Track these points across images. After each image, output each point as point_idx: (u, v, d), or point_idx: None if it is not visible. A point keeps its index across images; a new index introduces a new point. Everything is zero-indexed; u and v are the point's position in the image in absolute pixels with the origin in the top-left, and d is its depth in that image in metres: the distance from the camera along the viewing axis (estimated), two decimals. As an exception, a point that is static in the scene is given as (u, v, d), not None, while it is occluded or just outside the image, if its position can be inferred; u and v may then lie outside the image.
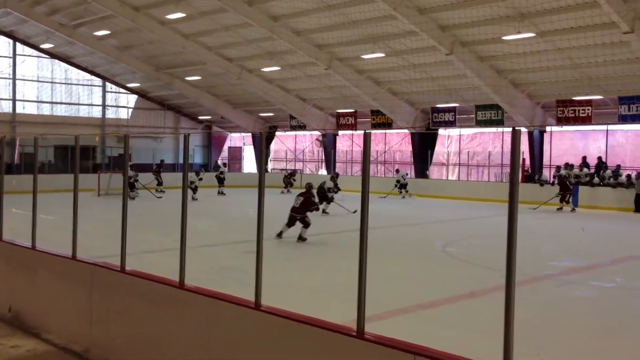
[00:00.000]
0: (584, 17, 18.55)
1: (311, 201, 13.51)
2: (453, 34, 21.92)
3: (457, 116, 27.91)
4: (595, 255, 12.81)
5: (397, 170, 28.95)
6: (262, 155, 4.93)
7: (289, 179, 30.33)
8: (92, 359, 5.95)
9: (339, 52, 26.02)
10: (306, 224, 13.08)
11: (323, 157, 36.04)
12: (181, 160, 31.15)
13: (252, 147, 40.21)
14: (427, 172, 30.29)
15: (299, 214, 13.13)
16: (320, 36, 25.05)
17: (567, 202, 22.10)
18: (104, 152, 36.97)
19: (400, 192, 27.10)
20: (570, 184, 22.51)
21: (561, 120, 24.51)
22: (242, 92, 33.85)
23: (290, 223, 13.26)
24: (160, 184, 28.08)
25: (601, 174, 23.98)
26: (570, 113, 24.12)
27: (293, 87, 31.79)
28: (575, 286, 9.74)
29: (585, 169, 24.64)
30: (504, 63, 23.34)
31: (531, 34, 20.01)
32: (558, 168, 25.20)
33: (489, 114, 26.51)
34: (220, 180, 28.22)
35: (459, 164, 31.79)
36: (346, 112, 32.29)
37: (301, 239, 13.01)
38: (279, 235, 13.13)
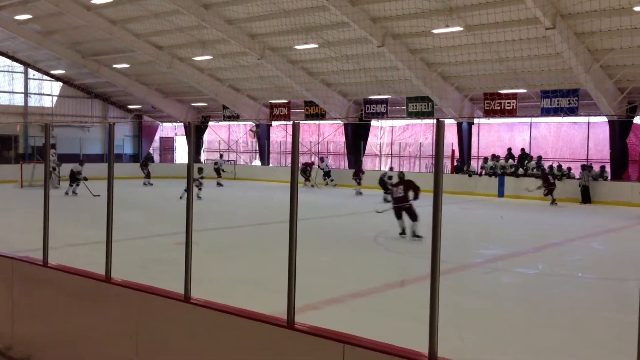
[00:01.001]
0: (510, 12, 19.16)
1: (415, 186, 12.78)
2: (384, 26, 22.21)
3: (389, 108, 28.35)
4: (519, 243, 13.34)
5: (322, 159, 29.70)
6: (190, 146, 4.84)
7: (304, 172, 28.04)
8: (14, 357, 5.71)
9: (271, 42, 25.89)
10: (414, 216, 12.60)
11: (257, 148, 35.87)
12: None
13: (184, 137, 39.51)
14: (360, 163, 30.66)
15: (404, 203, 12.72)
16: (252, 25, 24.84)
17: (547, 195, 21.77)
18: (26, 141, 35.39)
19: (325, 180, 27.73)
20: (553, 178, 22.28)
21: (488, 113, 25.33)
22: (173, 81, 33.14)
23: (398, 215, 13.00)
24: (148, 176, 27.84)
25: (525, 164, 24.96)
26: (497, 106, 24.95)
27: (226, 76, 31.41)
28: (502, 273, 10.11)
29: (510, 160, 25.60)
30: (433, 56, 23.87)
31: (459, 28, 20.54)
32: (485, 159, 26.08)
33: (420, 106, 27.06)
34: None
35: (392, 155, 32.35)
36: (279, 103, 32.21)
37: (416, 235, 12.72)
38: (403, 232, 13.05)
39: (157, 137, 41.62)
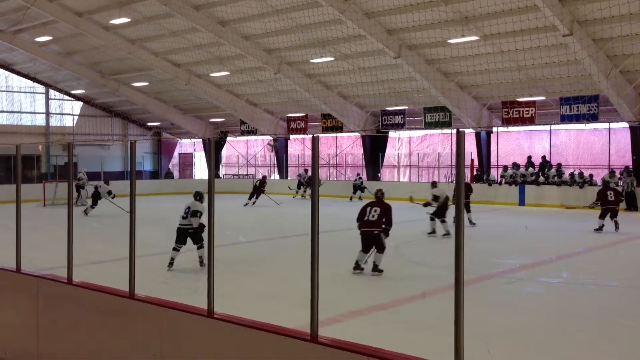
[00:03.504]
0: (526, 20, 19.10)
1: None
2: (400, 37, 22.25)
3: (406, 118, 28.31)
4: (542, 252, 13.17)
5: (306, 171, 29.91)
6: (210, 162, 4.87)
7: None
8: (39, 375, 5.76)
9: (287, 56, 26.05)
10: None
11: (275, 162, 35.99)
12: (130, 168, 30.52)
13: (203, 152, 39.80)
14: (379, 174, 30.60)
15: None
16: (268, 41, 25.03)
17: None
18: (49, 161, 35.91)
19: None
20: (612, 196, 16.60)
21: (506, 121, 25.17)
22: (191, 97, 33.49)
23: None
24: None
25: (545, 172, 24.72)
26: (515, 114, 24.78)
27: (243, 92, 31.64)
28: (524, 283, 9.99)
29: (530, 169, 25.37)
30: (450, 66, 23.83)
31: (475, 37, 20.50)
32: (505, 168, 25.89)
33: (438, 116, 26.99)
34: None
35: (410, 166, 32.25)
36: (297, 117, 32.33)
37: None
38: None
39: (176, 154, 42.00)
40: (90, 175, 27.25)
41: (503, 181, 25.50)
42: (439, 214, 14.72)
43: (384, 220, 10.23)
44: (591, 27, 19.02)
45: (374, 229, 10.19)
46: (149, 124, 39.94)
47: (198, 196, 10.68)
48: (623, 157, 24.76)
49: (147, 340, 4.85)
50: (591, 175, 23.63)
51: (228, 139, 37.77)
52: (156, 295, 5.17)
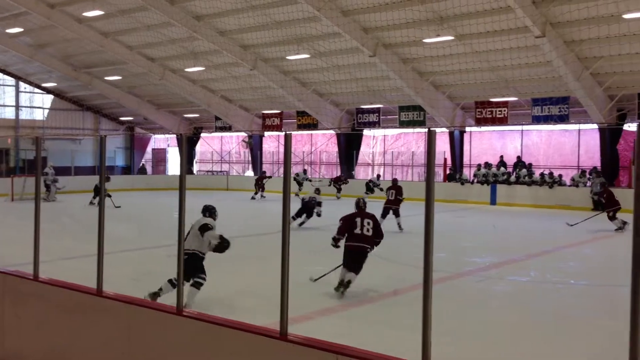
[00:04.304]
0: (499, 21, 19.31)
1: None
2: (376, 36, 22.32)
3: (381, 117, 28.43)
4: (512, 250, 13.35)
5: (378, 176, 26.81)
6: (182, 158, 4.82)
7: (337, 184, 27.18)
8: (4, 373, 5.66)
9: (263, 53, 25.96)
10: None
11: (250, 159, 35.87)
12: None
13: (176, 148, 39.47)
14: (353, 172, 30.69)
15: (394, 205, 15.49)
16: (244, 37, 24.91)
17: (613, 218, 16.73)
18: (18, 155, 35.25)
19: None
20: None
21: (480, 121, 25.44)
22: (165, 92, 33.16)
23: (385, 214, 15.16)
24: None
25: (517, 172, 25.07)
26: (488, 114, 25.06)
27: (218, 87, 31.45)
28: (494, 281, 10.10)
29: (502, 168, 25.69)
30: (425, 65, 23.99)
31: (450, 37, 20.66)
32: (479, 167, 26.17)
33: (412, 115, 27.16)
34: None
35: (384, 164, 32.41)
36: (272, 113, 32.25)
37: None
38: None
39: (149, 149, 41.57)
40: (59, 170, 26.82)
41: (475, 180, 25.79)
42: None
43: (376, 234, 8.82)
44: (562, 29, 19.31)
45: (367, 246, 8.70)
46: (121, 118, 39.45)
47: (207, 212, 8.16)
48: (592, 157, 25.22)
49: (115, 338, 4.80)
50: (560, 176, 24.03)
51: (202, 135, 37.51)
52: (127, 293, 5.11)
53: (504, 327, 7.40)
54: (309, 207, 16.15)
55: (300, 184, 27.20)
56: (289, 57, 24.89)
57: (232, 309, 7.67)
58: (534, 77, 22.70)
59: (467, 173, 27.24)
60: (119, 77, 32.26)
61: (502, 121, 24.90)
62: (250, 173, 35.99)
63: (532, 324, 7.52)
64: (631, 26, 18.22)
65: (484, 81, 23.92)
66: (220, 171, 37.34)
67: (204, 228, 7.70)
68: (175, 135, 37.71)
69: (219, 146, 39.06)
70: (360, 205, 9.18)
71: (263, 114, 32.72)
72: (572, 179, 24.08)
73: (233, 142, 38.47)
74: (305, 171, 29.18)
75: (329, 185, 26.76)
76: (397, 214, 15.76)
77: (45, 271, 5.71)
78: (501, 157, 26.50)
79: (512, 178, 24.81)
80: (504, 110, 24.65)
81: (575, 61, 20.51)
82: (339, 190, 26.71)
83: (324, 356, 3.56)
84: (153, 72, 29.74)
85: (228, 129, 34.35)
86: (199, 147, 39.18)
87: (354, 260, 8.66)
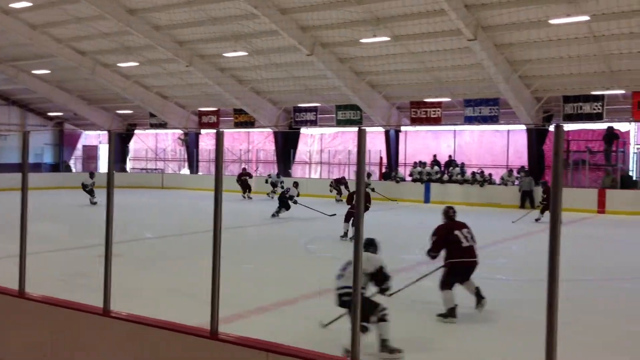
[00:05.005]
0: (434, 23, 19.75)
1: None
2: (313, 35, 22.39)
3: (318, 116, 28.56)
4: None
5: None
6: (110, 155, 4.69)
7: (338, 186, 25.68)
8: None
9: (200, 49, 25.59)
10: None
11: (186, 156, 35.30)
12: (30, 160, 28.90)
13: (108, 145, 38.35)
14: (290, 170, 30.70)
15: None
16: (180, 32, 24.48)
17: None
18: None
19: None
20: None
21: (414, 121, 25.95)
22: (97, 87, 32.14)
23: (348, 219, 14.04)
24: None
25: (449, 171, 25.73)
26: (423, 114, 25.60)
27: (152, 84, 30.77)
28: (425, 278, 10.30)
29: (436, 167, 26.31)
30: (362, 65, 24.26)
31: (386, 38, 20.95)
32: (415, 165, 26.70)
33: (349, 114, 27.42)
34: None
35: (321, 163, 32.57)
36: (208, 111, 31.85)
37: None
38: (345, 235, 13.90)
39: (79, 146, 40.22)
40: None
41: (411, 179, 26.30)
42: None
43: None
44: (493, 32, 19.93)
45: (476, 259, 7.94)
46: (50, 113, 37.96)
47: (371, 247, 6.87)
48: (520, 157, 26.16)
49: (38, 341, 4.62)
50: (490, 175, 24.84)
51: (136, 131, 36.62)
52: (53, 294, 4.93)
53: (433, 321, 7.57)
54: (284, 200, 18.46)
55: (274, 185, 25.83)
56: (225, 54, 24.62)
57: (162, 309, 7.52)
58: (467, 79, 23.34)
59: (403, 171, 27.73)
60: (48, 71, 31.03)
61: (436, 121, 25.48)
62: (186, 171, 35.41)
63: (460, 317, 7.72)
64: (557, 31, 19.00)
65: (418, 82, 24.41)
66: (155, 169, 36.57)
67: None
68: (107, 132, 36.63)
69: (154, 143, 38.24)
70: (451, 215, 8.41)
71: (199, 111, 32.27)
72: (502, 178, 24.92)
73: (169, 139, 37.75)
74: (278, 174, 27.39)
75: (330, 186, 25.70)
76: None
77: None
78: (434, 156, 27.12)
79: (445, 177, 25.44)
80: (438, 111, 25.24)
81: (505, 64, 21.23)
82: (339, 192, 25.10)
83: (255, 354, 3.54)
84: (84, 66, 28.78)
85: (163, 126, 33.68)
86: (132, 144, 38.22)
87: (466, 274, 7.93)
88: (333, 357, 3.46)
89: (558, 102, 22.74)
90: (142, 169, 37.30)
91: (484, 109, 23.91)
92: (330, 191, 25.62)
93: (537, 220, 18.24)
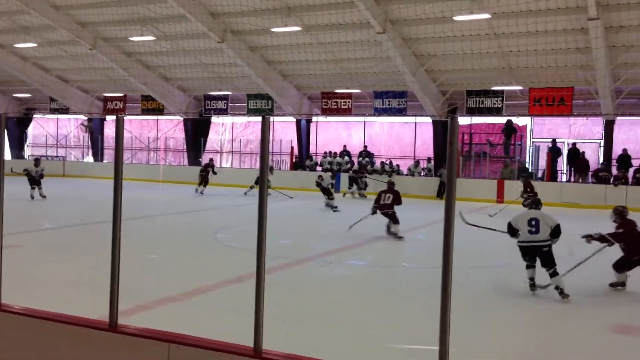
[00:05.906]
0: (344, 14, 20.00)
1: (399, 197, 13.40)
2: (224, 22, 22.09)
3: (229, 104, 28.25)
4: (351, 237, 13.94)
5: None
6: (1, 142, 4.43)
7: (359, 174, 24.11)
8: None
9: (104, 32, 24.60)
10: (396, 220, 13.14)
11: (90, 144, 33.88)
12: None
13: (6, 131, 36.15)
14: (201, 159, 30.19)
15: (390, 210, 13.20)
16: (82, 13, 23.44)
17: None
18: None
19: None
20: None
21: (325, 111, 26.23)
22: (-9, 69, 30.19)
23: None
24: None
25: (360, 161, 26.22)
26: (333, 104, 25.93)
27: (53, 66, 29.27)
28: (335, 266, 10.52)
29: (346, 157, 26.73)
30: (273, 54, 24.19)
31: (297, 28, 21.02)
32: (325, 154, 26.97)
33: (260, 103, 27.30)
34: None
35: (232, 152, 32.26)
36: (114, 97, 30.72)
37: (396, 236, 13.05)
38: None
39: (-29, 131, 37.65)
40: None
41: (322, 169, 26.58)
42: None
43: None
44: (401, 27, 20.46)
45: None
46: (-62, 96, 35.28)
47: (540, 204, 8.96)
48: (427, 149, 27.09)
49: None
50: (398, 166, 25.55)
51: (35, 116, 34.72)
52: None
53: (343, 307, 7.74)
54: (326, 189, 19.25)
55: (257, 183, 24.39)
56: (132, 38, 23.82)
57: (61, 302, 7.23)
58: (376, 71, 23.83)
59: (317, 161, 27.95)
60: None
61: (347, 112, 25.88)
62: (90, 159, 34.01)
63: (362, 302, 7.94)
64: (461, 27, 19.77)
65: (329, 72, 24.66)
66: (56, 156, 34.88)
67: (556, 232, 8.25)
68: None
69: (55, 129, 36.43)
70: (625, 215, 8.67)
71: (105, 96, 31.06)
72: (409, 169, 25.69)
73: (71, 125, 36.09)
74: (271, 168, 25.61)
75: (349, 174, 24.06)
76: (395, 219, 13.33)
77: None
78: (344, 146, 27.54)
79: (355, 167, 25.89)
80: (349, 102, 25.64)
81: (412, 57, 21.86)
82: (364, 185, 23.46)
83: (157, 345, 3.49)
84: (-23, 46, 26.96)
85: (65, 111, 32.14)
86: (31, 130, 36.23)
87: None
88: (239, 346, 3.46)
89: (462, 96, 23.70)
90: (41, 156, 35.39)
91: (393, 101, 24.53)
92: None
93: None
